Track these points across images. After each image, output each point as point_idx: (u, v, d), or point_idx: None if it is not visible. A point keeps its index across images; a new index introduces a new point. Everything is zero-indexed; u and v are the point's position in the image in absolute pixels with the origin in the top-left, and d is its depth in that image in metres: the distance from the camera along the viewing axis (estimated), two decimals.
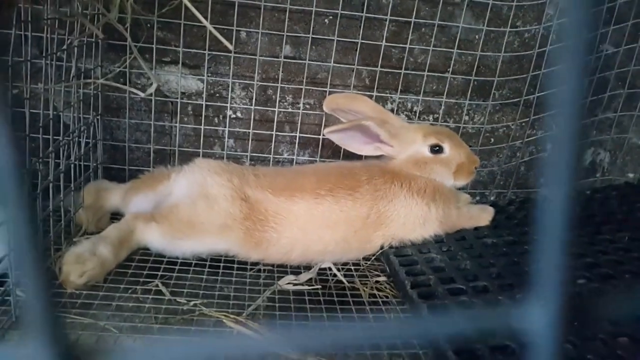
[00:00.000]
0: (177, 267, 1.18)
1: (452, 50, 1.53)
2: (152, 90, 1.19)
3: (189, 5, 1.09)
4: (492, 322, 0.25)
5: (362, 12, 1.46)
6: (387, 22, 1.49)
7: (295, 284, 1.16)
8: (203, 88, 1.51)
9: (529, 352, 0.25)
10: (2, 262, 0.90)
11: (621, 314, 0.26)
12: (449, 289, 1.06)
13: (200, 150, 1.53)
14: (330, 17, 1.49)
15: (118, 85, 1.21)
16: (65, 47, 1.15)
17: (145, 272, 1.14)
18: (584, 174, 1.78)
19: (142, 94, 1.20)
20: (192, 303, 1.05)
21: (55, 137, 1.10)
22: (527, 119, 1.63)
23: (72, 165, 1.21)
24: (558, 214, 0.24)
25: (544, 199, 0.25)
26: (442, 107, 1.60)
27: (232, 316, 1.01)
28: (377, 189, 1.26)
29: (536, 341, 0.24)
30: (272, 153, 1.58)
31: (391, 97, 1.58)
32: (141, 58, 1.20)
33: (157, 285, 1.09)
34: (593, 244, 1.23)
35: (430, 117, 1.64)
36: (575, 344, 0.83)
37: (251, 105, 1.54)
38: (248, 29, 1.47)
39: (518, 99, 1.61)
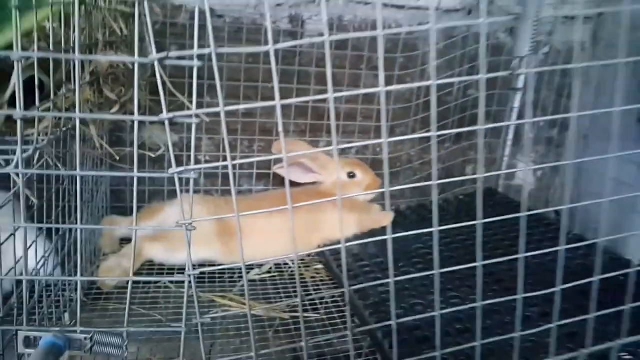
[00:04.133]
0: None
1: (356, 107, 2.13)
2: (161, 152, 1.75)
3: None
4: None
5: (294, 84, 2.03)
6: (311, 88, 2.06)
7: (259, 275, 1.69)
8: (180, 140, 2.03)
9: None
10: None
11: None
12: (360, 265, 1.63)
13: (183, 188, 2.02)
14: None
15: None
16: None
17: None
18: None
19: (153, 154, 1.74)
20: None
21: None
22: (422, 146, 2.24)
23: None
24: None
25: None
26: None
27: (220, 294, 1.53)
28: (313, 205, 1.79)
29: None
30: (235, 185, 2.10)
31: (321, 139, 2.15)
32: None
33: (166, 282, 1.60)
34: None
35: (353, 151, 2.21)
36: None
37: (218, 152, 2.08)
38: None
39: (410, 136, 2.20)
